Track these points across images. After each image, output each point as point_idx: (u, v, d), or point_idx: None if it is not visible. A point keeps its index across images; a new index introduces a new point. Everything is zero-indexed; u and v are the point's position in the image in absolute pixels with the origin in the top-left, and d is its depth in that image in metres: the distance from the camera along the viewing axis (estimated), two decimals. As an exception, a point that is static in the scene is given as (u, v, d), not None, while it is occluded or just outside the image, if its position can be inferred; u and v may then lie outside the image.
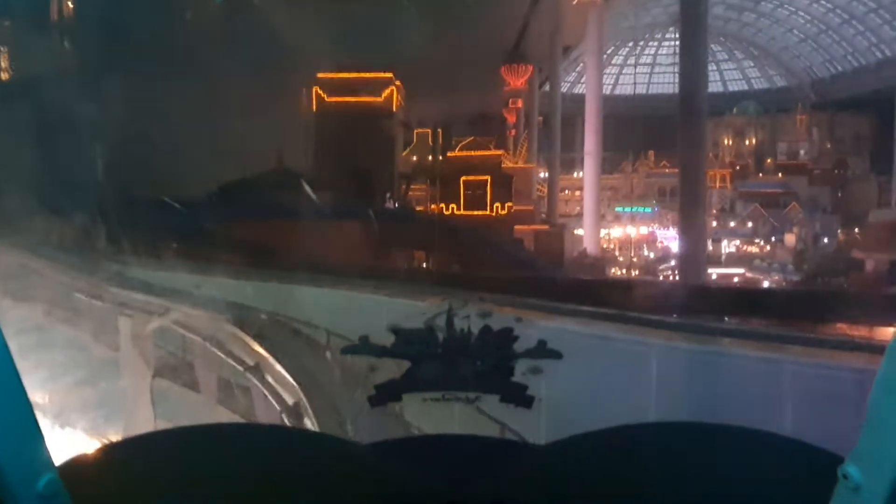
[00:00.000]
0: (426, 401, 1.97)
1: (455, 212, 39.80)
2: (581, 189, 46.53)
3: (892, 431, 0.83)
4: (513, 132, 48.42)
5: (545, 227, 44.11)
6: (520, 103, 48.89)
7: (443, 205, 40.56)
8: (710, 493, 1.33)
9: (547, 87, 51.03)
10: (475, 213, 39.28)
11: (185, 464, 1.51)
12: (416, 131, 45.08)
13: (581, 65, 53.73)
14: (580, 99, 48.45)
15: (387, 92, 41.31)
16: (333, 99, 41.36)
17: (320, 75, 41.01)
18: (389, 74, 41.00)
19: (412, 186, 44.01)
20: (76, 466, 1.39)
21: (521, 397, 1.97)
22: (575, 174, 51.69)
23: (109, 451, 1.55)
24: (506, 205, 39.63)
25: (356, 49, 38.38)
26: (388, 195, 40.91)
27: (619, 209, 50.40)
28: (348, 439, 1.98)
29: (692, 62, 26.60)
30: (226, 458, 1.56)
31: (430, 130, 44.52)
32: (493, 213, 39.80)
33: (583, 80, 53.07)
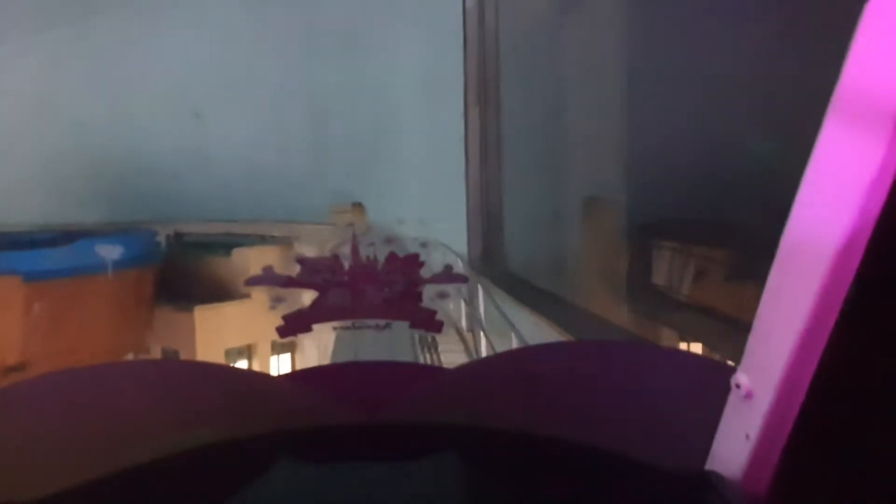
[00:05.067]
0: (335, 330, 1.97)
1: None
2: None
3: (776, 341, 0.86)
4: None
5: None
6: None
7: None
8: (610, 407, 1.38)
9: None
10: None
11: (97, 403, 1.47)
12: None
13: None
14: None
15: None
16: None
17: None
18: None
19: None
20: None
21: (430, 322, 1.98)
22: None
23: (15, 392, 1.50)
24: None
25: None
26: None
27: None
28: (259, 371, 1.96)
29: None
30: (132, 394, 1.53)
31: None
32: None
33: None
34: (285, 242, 13.60)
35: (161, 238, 13.06)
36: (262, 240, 13.78)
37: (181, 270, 12.79)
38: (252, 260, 13.07)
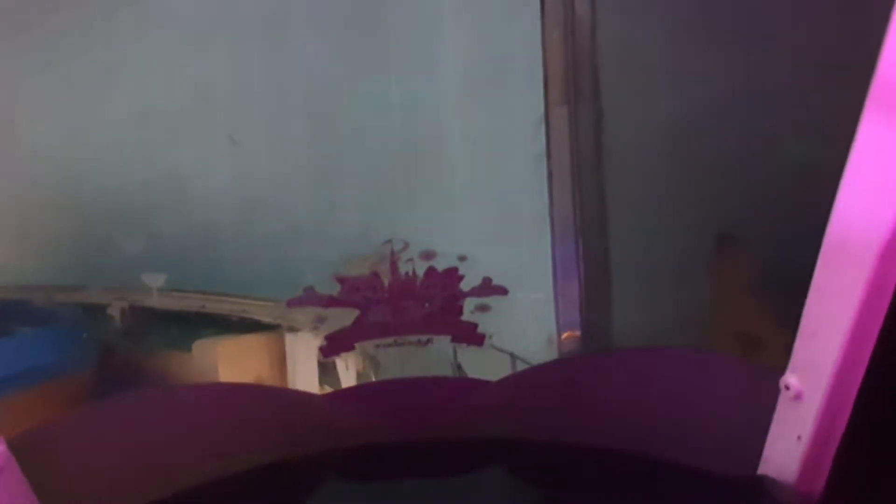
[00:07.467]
0: (378, 347, 1.97)
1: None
2: None
3: (825, 340, 0.85)
4: None
5: None
6: None
7: None
8: (659, 414, 1.36)
9: None
10: None
11: (144, 429, 1.49)
12: None
13: None
14: None
15: None
16: None
17: None
18: None
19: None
20: (30, 438, 1.37)
21: (471, 336, 1.98)
22: None
23: (66, 422, 1.52)
24: None
25: None
26: None
27: None
28: (302, 391, 1.97)
29: None
30: (176, 419, 1.54)
31: None
32: None
33: None
34: (271, 329, 9.39)
35: (116, 312, 10.47)
36: (243, 324, 9.61)
37: (131, 365, 9.80)
38: (220, 356, 8.34)
